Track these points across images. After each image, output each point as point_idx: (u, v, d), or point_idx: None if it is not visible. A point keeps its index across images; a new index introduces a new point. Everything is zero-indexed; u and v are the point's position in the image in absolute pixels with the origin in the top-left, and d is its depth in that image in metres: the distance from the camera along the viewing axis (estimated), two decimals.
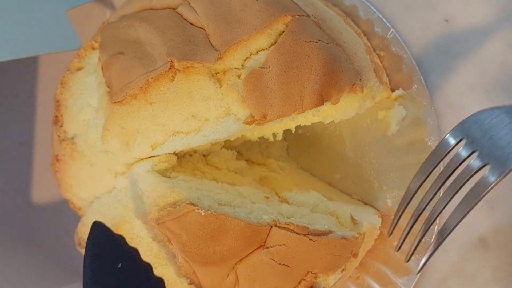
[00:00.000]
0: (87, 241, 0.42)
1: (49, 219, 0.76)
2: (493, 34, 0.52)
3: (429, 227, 0.42)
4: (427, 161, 0.41)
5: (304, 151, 0.63)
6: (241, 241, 0.45)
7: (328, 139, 0.61)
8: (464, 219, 0.52)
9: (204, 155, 0.56)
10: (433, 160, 0.41)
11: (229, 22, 0.46)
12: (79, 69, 0.57)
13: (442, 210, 0.41)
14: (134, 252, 0.42)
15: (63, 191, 0.57)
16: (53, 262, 0.75)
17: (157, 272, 0.49)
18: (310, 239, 0.46)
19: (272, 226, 0.46)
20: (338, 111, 0.49)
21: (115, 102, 0.47)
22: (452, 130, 0.39)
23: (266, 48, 0.46)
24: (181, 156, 0.53)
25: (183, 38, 0.47)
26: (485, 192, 0.37)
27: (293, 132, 0.54)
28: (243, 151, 0.61)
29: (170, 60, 0.46)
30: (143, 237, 0.49)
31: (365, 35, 0.55)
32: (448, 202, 0.40)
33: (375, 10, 0.55)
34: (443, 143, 0.40)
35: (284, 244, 0.46)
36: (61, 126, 0.55)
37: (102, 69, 0.49)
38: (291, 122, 0.51)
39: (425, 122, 0.52)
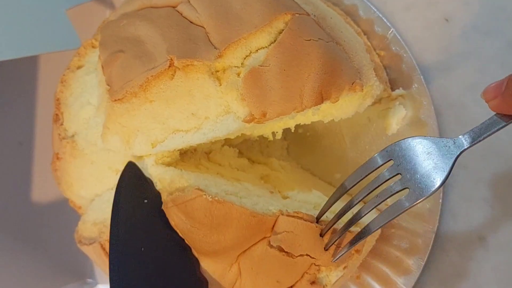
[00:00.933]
0: (120, 176, 0.46)
1: (49, 219, 0.76)
2: (493, 33, 0.52)
3: (345, 231, 0.45)
4: (355, 172, 0.44)
5: (304, 150, 0.63)
6: (246, 230, 0.46)
7: (328, 139, 0.61)
8: (464, 219, 0.53)
9: (206, 153, 0.56)
10: (361, 173, 0.44)
11: (229, 21, 0.46)
12: (79, 68, 0.57)
13: (359, 219, 0.44)
14: (159, 193, 0.45)
15: (63, 190, 0.57)
16: (53, 262, 0.75)
17: None
18: (317, 227, 0.47)
19: (279, 216, 0.46)
20: (338, 110, 0.49)
21: (115, 100, 0.47)
22: (383, 150, 0.42)
23: (266, 47, 0.46)
24: (182, 153, 0.53)
25: (183, 36, 0.47)
26: (400, 213, 0.40)
27: (292, 131, 0.54)
28: (243, 150, 0.61)
29: (170, 58, 0.46)
30: None
31: (365, 34, 0.55)
32: (366, 214, 0.43)
33: (375, 10, 0.55)
34: (373, 159, 0.43)
35: (292, 231, 0.46)
36: (62, 124, 0.55)
37: (102, 67, 0.49)
38: (290, 121, 0.51)
39: (425, 121, 0.52)
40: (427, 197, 0.39)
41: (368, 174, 0.43)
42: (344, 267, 0.48)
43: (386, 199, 0.42)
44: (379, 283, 0.55)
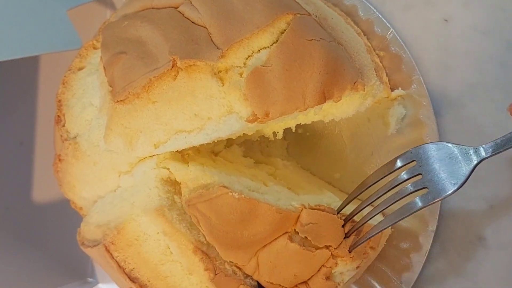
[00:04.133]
0: None
1: (49, 219, 0.76)
2: (493, 34, 0.52)
3: (365, 221, 0.47)
4: (379, 170, 0.46)
5: (304, 150, 0.63)
6: (270, 226, 0.46)
7: (328, 139, 0.61)
8: (463, 219, 0.53)
9: (213, 152, 0.57)
10: (384, 171, 0.46)
11: (231, 21, 0.46)
12: (80, 69, 0.57)
13: (379, 212, 0.46)
14: None
15: (65, 191, 0.57)
16: (53, 262, 0.75)
17: (164, 269, 0.49)
18: (339, 218, 0.48)
19: (302, 209, 0.47)
20: (339, 110, 0.50)
21: (117, 102, 0.47)
22: (408, 151, 0.45)
23: (268, 47, 0.46)
24: (185, 156, 0.53)
25: (185, 37, 0.47)
26: (416, 210, 0.43)
27: (293, 131, 0.54)
28: (244, 150, 0.61)
29: (172, 59, 0.46)
30: (150, 234, 0.49)
31: (365, 35, 0.55)
32: (386, 208, 0.45)
33: (374, 10, 0.55)
34: (396, 159, 0.45)
35: (316, 223, 0.47)
36: (63, 125, 0.55)
37: (104, 68, 0.49)
38: (292, 121, 0.51)
39: (424, 121, 0.53)
40: (443, 198, 0.42)
41: (391, 172, 0.45)
42: (357, 267, 0.49)
43: (406, 195, 0.44)
44: (379, 282, 0.55)
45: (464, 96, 0.53)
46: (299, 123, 0.52)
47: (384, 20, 0.55)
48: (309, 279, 0.49)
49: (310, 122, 0.52)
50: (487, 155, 0.43)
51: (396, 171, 0.45)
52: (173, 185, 0.51)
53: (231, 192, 0.46)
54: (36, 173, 0.77)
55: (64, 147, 0.54)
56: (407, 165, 0.45)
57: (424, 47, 0.55)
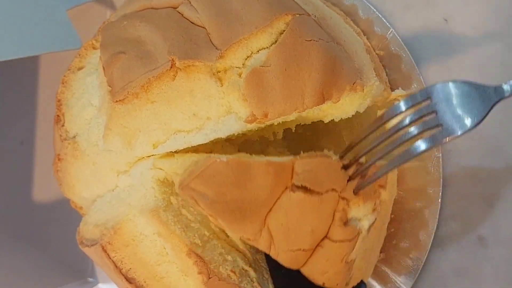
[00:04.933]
0: None
1: (49, 219, 0.76)
2: (493, 34, 0.52)
3: (373, 162, 0.44)
4: (391, 108, 0.43)
5: (304, 150, 0.63)
6: (267, 182, 0.44)
7: (327, 139, 0.61)
8: (463, 218, 0.53)
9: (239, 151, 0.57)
10: (397, 109, 0.43)
11: (230, 21, 0.46)
12: (80, 69, 0.57)
13: (389, 152, 0.43)
14: None
15: (65, 191, 0.57)
16: (53, 262, 0.75)
17: (160, 269, 0.49)
18: (337, 161, 0.46)
19: (295, 160, 0.45)
20: (338, 110, 0.49)
21: (116, 101, 0.48)
22: (423, 89, 0.42)
23: (267, 47, 0.46)
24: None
25: (184, 37, 0.47)
26: (429, 148, 0.40)
27: (293, 131, 0.54)
28: (243, 150, 0.61)
29: (171, 59, 0.46)
30: (147, 234, 0.49)
31: (364, 34, 0.55)
32: (396, 147, 0.42)
33: (374, 10, 0.55)
34: (412, 97, 0.42)
35: (311, 170, 0.45)
36: (63, 125, 0.55)
37: (104, 68, 0.49)
38: (291, 121, 0.51)
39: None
40: (458, 136, 0.39)
41: (406, 110, 0.42)
42: (374, 209, 0.47)
43: (419, 133, 0.41)
44: (378, 282, 0.55)
45: None
46: (298, 123, 0.52)
47: (384, 20, 0.55)
48: (328, 232, 0.46)
49: (309, 123, 0.52)
50: (507, 95, 0.40)
51: (410, 109, 0.42)
52: (169, 186, 0.51)
53: (218, 158, 0.44)
54: (36, 173, 0.77)
55: (64, 146, 0.55)
56: (421, 103, 0.42)
57: (424, 47, 0.55)
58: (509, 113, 0.52)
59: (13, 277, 0.68)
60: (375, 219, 0.48)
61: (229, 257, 0.49)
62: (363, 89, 0.46)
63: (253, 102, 0.44)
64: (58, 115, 0.56)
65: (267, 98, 0.44)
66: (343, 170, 0.46)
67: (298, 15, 0.47)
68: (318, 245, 0.46)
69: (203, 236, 0.49)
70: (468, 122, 0.39)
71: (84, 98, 0.54)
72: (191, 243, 0.48)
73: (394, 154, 0.43)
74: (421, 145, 0.40)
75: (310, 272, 0.47)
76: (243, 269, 0.51)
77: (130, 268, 0.50)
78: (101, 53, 0.51)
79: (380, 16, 0.55)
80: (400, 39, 0.54)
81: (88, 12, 0.73)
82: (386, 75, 0.54)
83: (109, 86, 0.48)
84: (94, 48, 0.57)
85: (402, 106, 0.42)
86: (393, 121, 0.43)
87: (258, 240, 0.46)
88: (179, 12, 0.49)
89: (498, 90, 0.40)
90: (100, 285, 0.74)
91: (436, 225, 0.53)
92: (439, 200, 0.53)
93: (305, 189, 0.45)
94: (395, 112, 0.42)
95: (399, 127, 0.42)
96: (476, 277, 0.53)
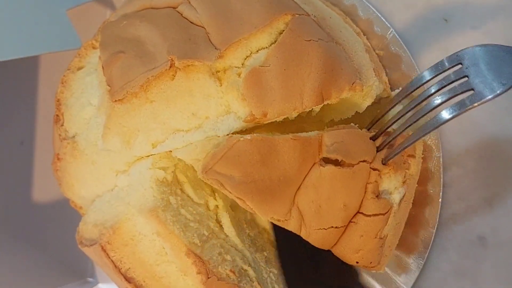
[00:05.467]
0: None
1: (49, 219, 0.77)
2: (493, 33, 0.52)
3: (403, 130, 0.44)
4: (420, 75, 0.42)
5: None
6: (295, 158, 0.44)
7: None
8: (463, 218, 0.53)
9: None
10: (426, 76, 0.42)
11: (229, 21, 0.46)
12: (79, 68, 0.57)
13: (419, 118, 0.42)
14: None
15: (64, 190, 0.57)
16: (54, 261, 0.75)
17: (159, 269, 0.49)
18: (365, 131, 0.46)
19: (322, 134, 0.45)
20: (337, 110, 0.49)
21: (116, 101, 0.48)
22: (453, 54, 0.41)
23: (266, 47, 0.46)
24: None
25: (183, 36, 0.47)
26: (460, 112, 0.38)
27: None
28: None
29: (170, 58, 0.46)
30: (146, 234, 0.49)
31: (364, 34, 0.55)
32: (426, 113, 0.41)
33: (374, 10, 0.55)
34: (441, 62, 0.41)
35: (341, 141, 0.44)
36: (62, 125, 0.55)
37: (103, 68, 0.50)
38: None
39: (424, 121, 0.52)
40: (491, 99, 0.38)
41: (435, 76, 0.42)
42: (404, 182, 0.46)
43: (449, 98, 0.40)
44: (379, 282, 0.55)
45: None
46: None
47: (384, 20, 0.55)
48: (360, 207, 0.46)
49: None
50: None
51: (440, 74, 0.41)
52: (168, 185, 0.51)
53: (242, 137, 0.44)
54: (36, 173, 0.78)
55: (63, 146, 0.55)
56: (452, 68, 0.41)
57: (424, 46, 0.55)
58: (509, 113, 0.51)
59: (13, 277, 0.68)
60: (405, 192, 0.47)
61: (228, 257, 0.49)
62: (362, 89, 0.46)
63: (252, 102, 0.44)
64: (57, 115, 0.56)
65: (266, 98, 0.44)
66: (371, 141, 0.46)
67: (297, 15, 0.47)
68: (351, 221, 0.45)
69: (202, 235, 0.49)
70: (500, 86, 0.38)
71: (83, 98, 0.54)
72: (189, 243, 0.48)
73: (420, 123, 0.42)
74: (450, 110, 0.39)
75: (343, 251, 0.46)
76: (242, 268, 0.51)
77: (129, 268, 0.50)
78: (100, 52, 0.51)
79: (380, 16, 0.55)
80: (400, 39, 0.54)
81: (88, 12, 0.73)
82: (386, 75, 0.54)
83: (108, 86, 0.48)
84: (94, 48, 0.57)
85: (428, 74, 0.41)
86: (420, 90, 0.42)
87: (288, 221, 0.45)
88: (179, 12, 0.49)
89: None
90: (100, 285, 0.74)
91: (436, 225, 0.53)
92: (439, 200, 0.53)
93: (336, 162, 0.44)
94: (422, 81, 0.42)
95: (426, 95, 0.41)
96: (476, 277, 0.53)
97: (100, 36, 0.52)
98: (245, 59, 0.46)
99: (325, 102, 0.45)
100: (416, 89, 0.43)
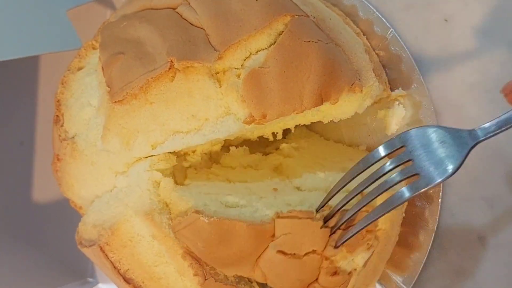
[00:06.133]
0: None
1: (49, 219, 0.77)
2: (493, 34, 0.52)
3: (350, 216, 0.44)
4: (364, 158, 0.43)
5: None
6: (250, 241, 0.45)
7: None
8: (463, 218, 0.53)
9: (215, 159, 0.57)
10: (370, 159, 0.43)
11: (228, 22, 0.46)
12: (79, 69, 0.57)
13: (365, 204, 0.43)
14: None
15: (64, 191, 0.57)
16: (54, 261, 0.75)
17: (158, 270, 0.49)
18: (315, 221, 0.45)
19: (275, 219, 0.45)
20: (337, 111, 0.49)
21: (115, 102, 0.48)
22: (396, 136, 0.41)
23: (266, 48, 0.46)
24: (180, 157, 0.53)
25: (183, 38, 0.47)
26: (408, 198, 0.40)
27: (292, 131, 0.54)
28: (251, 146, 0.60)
29: (170, 60, 0.46)
30: (144, 235, 0.49)
31: (364, 34, 0.55)
32: (373, 199, 0.42)
33: (374, 10, 0.55)
34: (385, 145, 0.42)
35: (289, 232, 0.45)
36: (62, 125, 0.55)
37: (103, 68, 0.49)
38: (290, 122, 0.51)
39: (424, 121, 0.52)
40: (437, 184, 0.39)
41: (380, 159, 0.42)
42: (368, 248, 0.47)
43: (396, 183, 0.41)
44: (379, 281, 0.55)
45: (464, 96, 0.53)
46: (297, 124, 0.52)
47: (384, 20, 0.55)
48: (317, 278, 0.47)
49: (309, 123, 0.52)
50: (482, 138, 0.39)
51: (383, 158, 0.42)
52: None
53: (202, 217, 0.45)
54: (36, 173, 0.78)
55: (62, 146, 0.55)
56: (395, 151, 0.41)
57: (424, 47, 0.55)
58: None
59: (13, 277, 0.68)
60: (373, 251, 0.47)
61: None
62: (362, 90, 0.46)
63: (251, 103, 0.44)
64: (57, 115, 0.56)
65: (265, 99, 0.44)
66: (323, 228, 0.45)
67: (297, 16, 0.47)
68: (309, 285, 0.47)
69: None
70: (446, 169, 0.39)
71: (83, 98, 0.54)
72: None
73: (374, 204, 0.43)
74: (403, 194, 0.40)
75: None
76: None
77: (128, 269, 0.50)
78: (100, 53, 0.51)
79: (380, 16, 0.55)
80: (400, 39, 0.54)
81: (88, 12, 0.73)
82: (386, 75, 0.54)
83: (108, 87, 0.48)
84: (93, 48, 0.57)
85: (381, 152, 0.42)
86: (372, 168, 0.42)
87: (253, 276, 0.48)
88: (178, 13, 0.49)
89: (472, 134, 0.39)
90: (100, 285, 0.74)
91: (436, 225, 0.53)
92: (439, 200, 0.53)
93: (284, 253, 0.45)
94: (374, 159, 0.42)
95: (378, 175, 0.42)
96: (476, 278, 0.53)
97: (100, 37, 0.52)
98: (245, 60, 0.46)
99: (325, 104, 0.45)
100: (361, 173, 0.43)
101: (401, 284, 0.54)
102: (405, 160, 0.41)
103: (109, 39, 0.51)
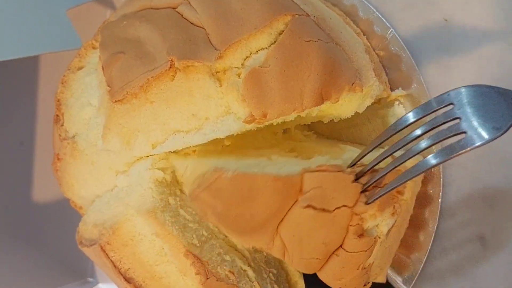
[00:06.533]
0: None
1: (49, 219, 0.77)
2: (493, 33, 0.52)
3: (386, 172, 0.42)
4: (410, 113, 0.41)
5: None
6: (276, 196, 0.43)
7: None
8: (463, 218, 0.53)
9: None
10: (416, 114, 0.40)
11: (229, 21, 0.46)
12: (79, 68, 0.57)
13: (405, 160, 0.40)
14: None
15: (64, 190, 0.57)
16: (54, 261, 0.75)
17: (159, 269, 0.49)
18: (346, 174, 0.43)
19: (304, 174, 0.43)
20: (337, 110, 0.49)
21: (115, 101, 0.48)
22: (445, 93, 0.39)
23: (266, 47, 0.46)
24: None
25: (183, 37, 0.47)
26: (452, 156, 0.37)
27: (293, 131, 0.54)
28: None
29: (170, 59, 0.46)
30: (145, 234, 0.49)
31: (364, 34, 0.55)
32: (414, 156, 0.40)
33: (374, 10, 0.55)
34: (431, 101, 0.40)
35: (320, 186, 0.43)
36: (62, 125, 0.55)
37: (103, 68, 0.50)
38: (290, 121, 0.51)
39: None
40: (484, 143, 0.36)
41: (426, 115, 0.40)
42: (393, 214, 0.45)
43: (440, 141, 0.38)
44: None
45: None
46: (298, 123, 0.52)
47: (384, 20, 0.55)
48: (342, 243, 0.45)
49: (309, 123, 0.52)
50: None
51: (430, 114, 0.39)
52: (167, 186, 0.51)
53: (224, 173, 0.44)
54: (36, 173, 0.78)
55: (63, 146, 0.55)
56: (443, 108, 0.39)
57: (424, 46, 0.55)
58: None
59: (13, 277, 0.68)
60: (395, 220, 0.46)
61: (227, 257, 0.49)
62: (362, 90, 0.46)
63: (252, 103, 0.44)
64: (57, 115, 0.56)
65: (266, 99, 0.44)
66: (355, 182, 0.43)
67: (297, 16, 0.47)
68: (332, 253, 0.45)
69: (201, 236, 0.49)
70: (494, 130, 0.36)
71: (83, 98, 0.54)
72: (188, 243, 0.48)
73: (407, 165, 0.41)
74: (439, 155, 0.37)
75: (326, 277, 0.46)
76: (241, 269, 0.51)
77: (129, 268, 0.50)
78: (100, 52, 0.51)
79: (380, 16, 0.55)
80: (400, 39, 0.54)
81: (88, 12, 0.73)
82: (386, 75, 0.54)
83: (108, 86, 0.48)
84: (94, 48, 0.57)
85: (419, 112, 0.40)
86: (408, 129, 0.41)
87: (272, 249, 0.45)
88: (179, 12, 0.49)
89: None
90: (100, 285, 0.74)
91: (436, 225, 0.53)
92: (439, 200, 0.53)
93: (313, 207, 0.43)
94: (409, 120, 0.40)
95: (414, 136, 0.40)
96: (476, 278, 0.53)
97: (100, 36, 0.52)
98: (245, 59, 0.46)
99: (325, 103, 0.45)
100: (404, 128, 0.41)
101: (401, 284, 0.54)
102: (452, 118, 0.38)
103: (109, 38, 0.51)
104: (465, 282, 0.53)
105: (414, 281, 0.54)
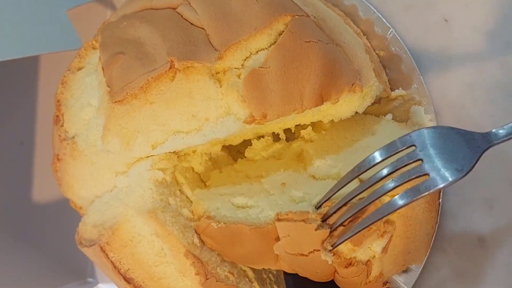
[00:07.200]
0: None
1: (49, 219, 0.76)
2: (493, 34, 0.52)
3: (351, 215, 0.43)
4: (372, 155, 0.42)
5: None
6: (258, 242, 0.47)
7: None
8: (463, 220, 0.53)
9: (239, 151, 0.58)
10: (378, 156, 0.41)
11: (229, 22, 0.46)
12: (79, 69, 0.57)
13: (368, 204, 0.42)
14: None
15: (64, 191, 0.57)
16: (53, 261, 0.75)
17: (158, 270, 0.49)
18: (309, 223, 0.44)
19: (276, 223, 0.45)
20: (338, 111, 0.49)
21: (115, 102, 0.48)
22: (406, 134, 0.40)
23: (266, 48, 0.46)
24: (181, 156, 0.54)
25: (183, 38, 0.47)
26: (416, 198, 0.38)
27: (293, 131, 0.54)
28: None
29: (170, 60, 0.46)
30: (145, 235, 0.49)
31: (364, 35, 0.55)
32: (376, 199, 0.41)
33: (374, 10, 0.55)
34: (394, 143, 0.41)
35: (288, 235, 0.45)
36: (62, 125, 0.55)
37: (103, 68, 0.50)
38: (290, 122, 0.51)
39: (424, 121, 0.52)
40: (447, 185, 0.38)
41: (388, 157, 0.41)
42: (382, 235, 0.45)
43: (403, 183, 0.39)
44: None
45: (463, 96, 0.53)
46: (298, 123, 0.52)
47: (384, 20, 0.55)
48: (335, 270, 0.47)
49: (309, 123, 0.52)
50: (496, 141, 0.38)
51: (393, 156, 0.41)
52: (167, 187, 0.51)
53: (212, 223, 0.48)
54: (36, 173, 0.77)
55: (62, 146, 0.55)
56: (405, 150, 0.40)
57: (424, 47, 0.55)
58: (508, 114, 0.51)
59: (13, 277, 0.68)
60: (391, 235, 0.46)
61: None
62: (362, 90, 0.46)
63: (252, 103, 0.44)
64: (57, 115, 0.56)
65: (266, 99, 0.44)
66: (318, 230, 0.44)
67: (297, 16, 0.47)
68: (333, 273, 0.47)
69: None
70: (456, 172, 0.38)
71: (83, 98, 0.54)
72: (189, 244, 0.49)
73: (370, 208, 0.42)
74: (405, 196, 0.38)
75: (340, 284, 0.49)
76: (241, 269, 0.51)
77: (129, 269, 0.50)
78: (100, 53, 0.51)
79: (380, 16, 0.55)
80: (400, 40, 0.54)
81: (88, 12, 0.73)
82: (386, 75, 0.54)
83: (108, 87, 0.48)
84: (94, 48, 0.57)
85: (379, 155, 0.41)
86: (372, 171, 0.42)
87: (281, 267, 0.49)
88: (179, 13, 0.49)
89: (486, 137, 0.38)
90: (100, 285, 0.74)
91: (436, 226, 0.53)
92: (440, 201, 0.53)
93: (289, 253, 0.46)
94: (374, 161, 0.41)
95: (379, 177, 0.41)
96: (476, 279, 0.53)
97: (100, 37, 0.52)
98: (245, 60, 0.46)
99: (325, 104, 0.45)
100: (368, 169, 0.42)
101: (402, 284, 0.54)
102: (413, 160, 0.39)
103: (109, 39, 0.51)
104: (465, 283, 0.53)
105: (414, 281, 0.54)
